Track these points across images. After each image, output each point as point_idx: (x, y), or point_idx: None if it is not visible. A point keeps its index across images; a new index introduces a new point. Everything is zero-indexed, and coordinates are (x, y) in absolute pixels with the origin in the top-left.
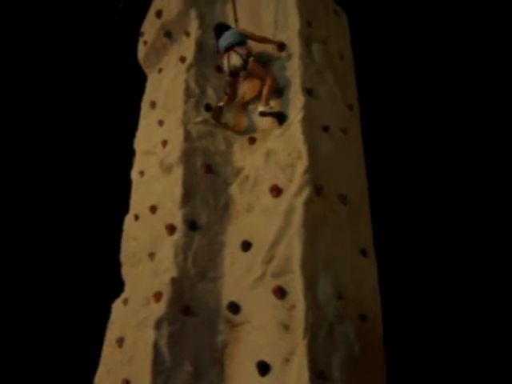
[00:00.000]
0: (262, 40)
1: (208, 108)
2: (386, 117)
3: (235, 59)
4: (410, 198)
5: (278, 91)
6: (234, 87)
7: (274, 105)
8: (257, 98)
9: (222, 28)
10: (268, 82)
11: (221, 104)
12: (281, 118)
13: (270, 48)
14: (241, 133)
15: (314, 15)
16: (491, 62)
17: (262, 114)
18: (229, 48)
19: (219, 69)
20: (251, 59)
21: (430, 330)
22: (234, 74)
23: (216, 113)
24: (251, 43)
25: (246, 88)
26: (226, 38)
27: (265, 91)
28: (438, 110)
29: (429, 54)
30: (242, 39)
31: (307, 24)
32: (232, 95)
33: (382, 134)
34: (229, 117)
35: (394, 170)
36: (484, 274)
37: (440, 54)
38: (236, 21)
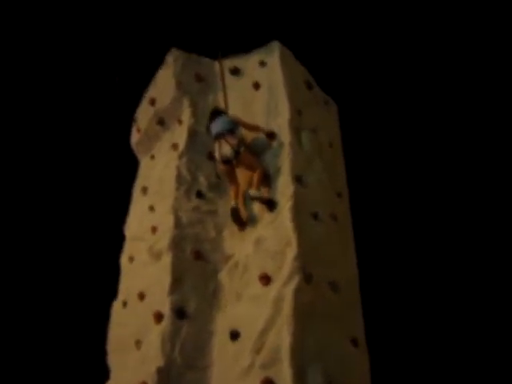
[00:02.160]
0: (254, 128)
1: (199, 195)
2: (376, 203)
3: (226, 150)
4: (402, 285)
5: (268, 178)
6: (232, 176)
7: (264, 192)
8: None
9: (216, 113)
10: (258, 171)
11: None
12: (270, 204)
13: (261, 135)
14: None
15: (304, 104)
16: (480, 115)
17: (252, 198)
18: (219, 135)
19: (211, 156)
20: (242, 149)
21: None
22: (227, 162)
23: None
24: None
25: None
26: (217, 125)
27: (255, 178)
28: (427, 194)
29: (417, 143)
30: (233, 127)
31: (297, 113)
32: (235, 184)
33: (372, 221)
34: (220, 204)
35: (384, 256)
36: (482, 347)
37: (428, 138)
38: (226, 112)
